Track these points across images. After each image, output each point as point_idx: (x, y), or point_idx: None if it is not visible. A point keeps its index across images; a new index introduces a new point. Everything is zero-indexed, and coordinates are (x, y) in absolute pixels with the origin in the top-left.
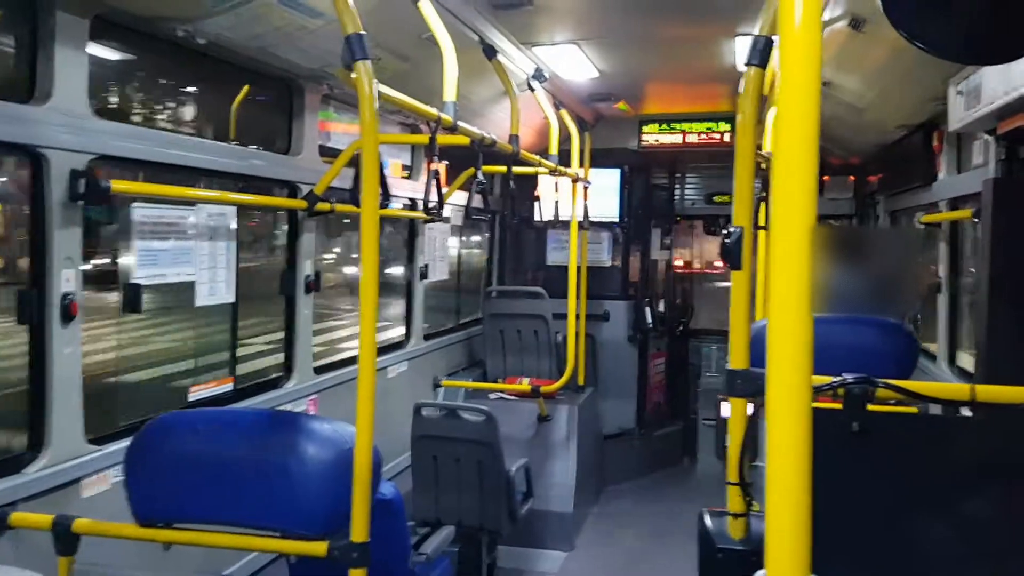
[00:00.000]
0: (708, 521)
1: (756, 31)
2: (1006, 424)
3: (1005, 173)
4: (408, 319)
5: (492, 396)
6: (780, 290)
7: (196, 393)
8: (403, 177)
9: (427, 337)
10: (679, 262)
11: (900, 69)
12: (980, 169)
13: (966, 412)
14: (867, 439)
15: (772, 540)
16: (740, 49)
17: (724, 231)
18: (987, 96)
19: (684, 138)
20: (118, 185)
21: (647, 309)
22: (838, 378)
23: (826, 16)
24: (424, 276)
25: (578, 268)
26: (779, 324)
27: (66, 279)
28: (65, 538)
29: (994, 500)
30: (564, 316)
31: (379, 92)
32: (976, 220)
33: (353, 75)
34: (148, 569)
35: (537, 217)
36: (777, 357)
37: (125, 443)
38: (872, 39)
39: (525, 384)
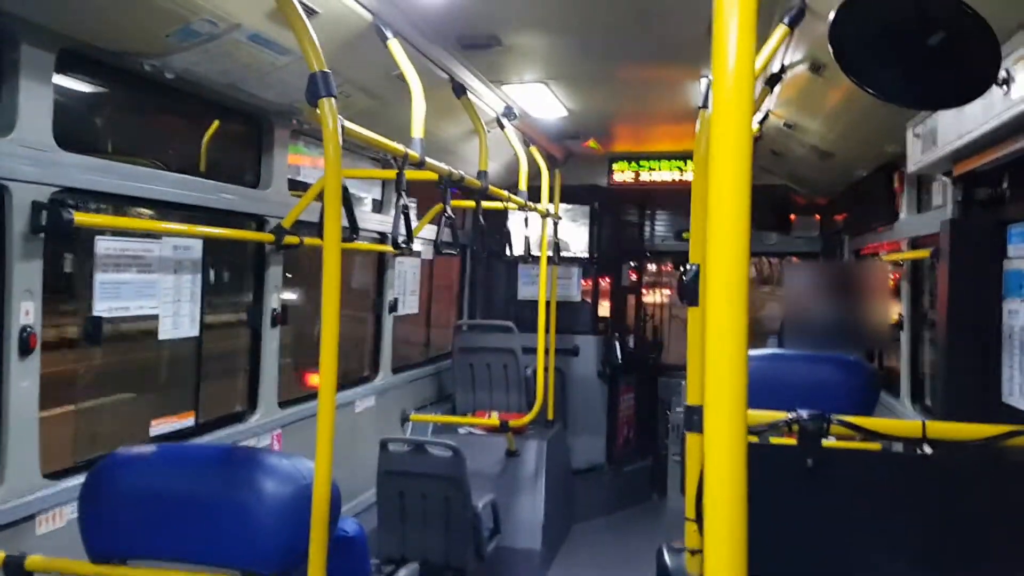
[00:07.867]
0: (667, 557)
1: (711, 75)
2: (961, 462)
3: (962, 214)
4: (376, 352)
5: (461, 430)
6: (716, 326)
7: (157, 427)
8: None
9: (396, 371)
10: (649, 298)
11: (860, 112)
12: (939, 210)
13: (927, 450)
14: (822, 475)
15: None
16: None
17: (681, 268)
18: (943, 139)
19: (653, 176)
20: (81, 218)
21: (616, 344)
22: (793, 414)
23: (787, 60)
24: (394, 309)
25: (548, 303)
26: (715, 360)
27: (25, 312)
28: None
29: (948, 537)
30: (534, 350)
31: (345, 128)
32: (934, 260)
33: (318, 111)
34: None
35: (508, 252)
36: (713, 392)
37: (82, 478)
38: (832, 83)
39: (494, 418)
